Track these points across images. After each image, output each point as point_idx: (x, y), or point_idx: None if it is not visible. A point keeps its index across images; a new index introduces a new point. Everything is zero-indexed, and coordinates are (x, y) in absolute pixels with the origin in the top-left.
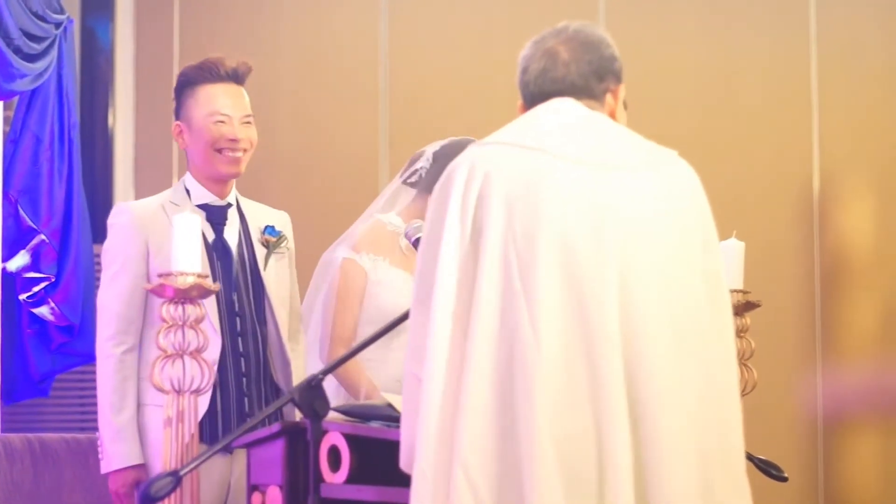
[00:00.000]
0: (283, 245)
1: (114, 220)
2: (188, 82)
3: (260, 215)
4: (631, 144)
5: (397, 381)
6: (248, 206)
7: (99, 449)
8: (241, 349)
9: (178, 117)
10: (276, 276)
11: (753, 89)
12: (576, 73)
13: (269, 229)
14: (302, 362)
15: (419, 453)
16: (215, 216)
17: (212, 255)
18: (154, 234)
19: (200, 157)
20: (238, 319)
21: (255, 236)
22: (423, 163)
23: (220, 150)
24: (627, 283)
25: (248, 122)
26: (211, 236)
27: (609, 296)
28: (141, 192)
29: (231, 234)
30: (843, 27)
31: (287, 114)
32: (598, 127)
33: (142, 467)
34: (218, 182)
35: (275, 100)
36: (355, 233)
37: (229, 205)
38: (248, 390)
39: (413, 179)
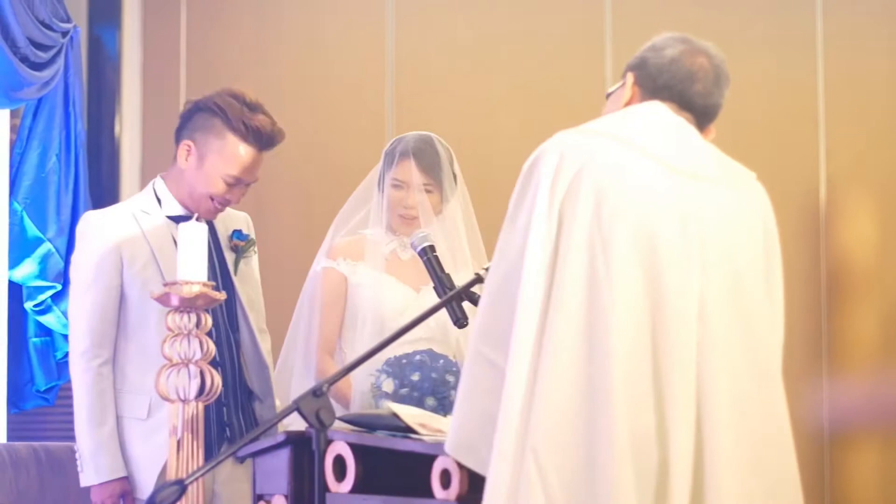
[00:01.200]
0: (251, 248)
1: (83, 230)
2: (224, 117)
3: (226, 221)
4: (717, 159)
5: (369, 375)
6: None
7: (77, 462)
8: (216, 357)
9: (188, 135)
10: (245, 278)
11: (759, 100)
12: (710, 100)
13: (237, 234)
14: (268, 335)
15: (501, 442)
16: (205, 224)
17: None
18: (126, 244)
19: (192, 193)
20: (212, 328)
21: (224, 242)
22: (379, 165)
23: (213, 199)
24: (705, 290)
25: (248, 186)
26: (206, 242)
27: (690, 302)
28: None
29: None
30: (850, 38)
31: (293, 122)
32: (689, 137)
33: (125, 479)
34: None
35: (280, 108)
36: (332, 244)
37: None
38: (226, 399)
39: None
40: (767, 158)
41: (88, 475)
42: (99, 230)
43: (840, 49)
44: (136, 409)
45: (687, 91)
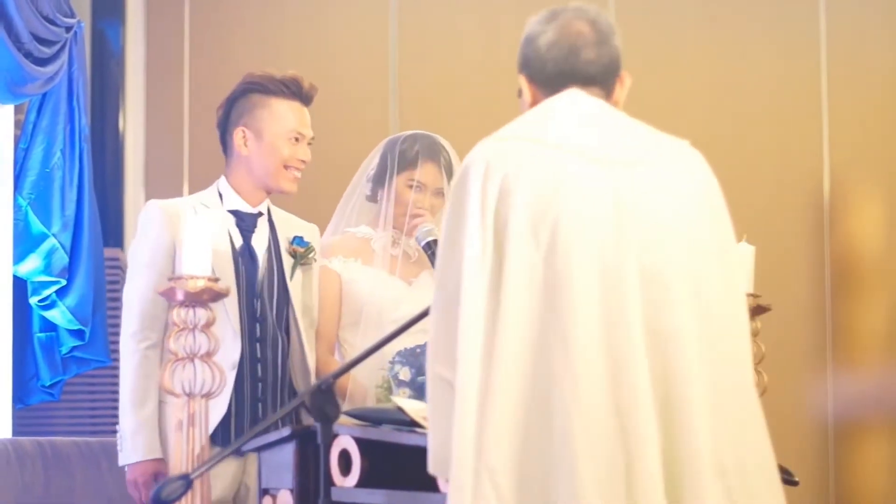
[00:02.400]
0: (310, 256)
1: (145, 217)
2: (261, 90)
3: (290, 225)
4: (646, 138)
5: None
6: (279, 215)
7: (118, 442)
8: (258, 354)
9: (238, 122)
10: (302, 286)
11: (763, 93)
12: (604, 60)
13: (298, 240)
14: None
15: (457, 461)
16: (245, 223)
17: (237, 260)
18: (181, 234)
19: (266, 169)
20: (258, 325)
21: (284, 246)
22: (371, 168)
23: (287, 167)
24: (653, 282)
25: (310, 144)
26: (238, 242)
27: (632, 300)
28: (151, 196)
29: (259, 242)
30: (853, 31)
31: None
32: (614, 121)
33: (160, 461)
34: (261, 192)
35: None
36: (324, 243)
37: (260, 213)
38: (263, 395)
39: (369, 190)
40: (771, 152)
41: (126, 453)
42: (157, 217)
43: (843, 43)
44: None
45: (577, 65)
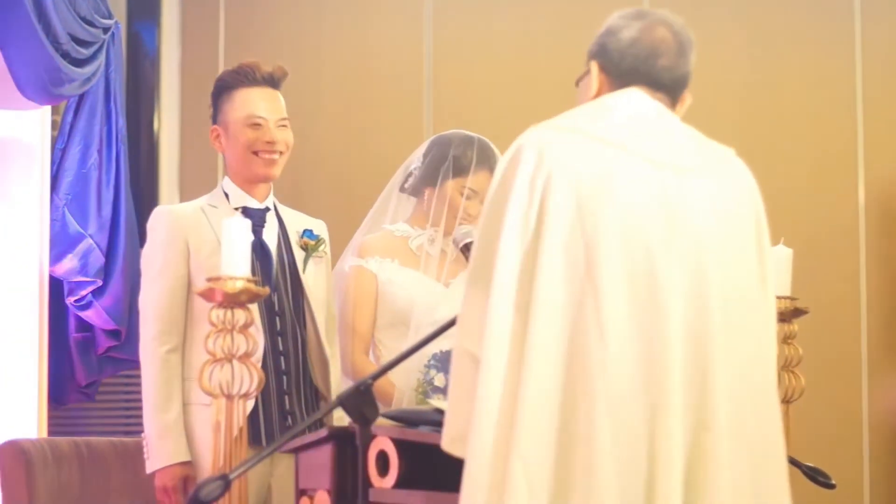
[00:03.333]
0: (321, 248)
1: (153, 223)
2: (225, 87)
3: (298, 220)
4: (696, 145)
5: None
6: (286, 211)
7: (144, 448)
8: (280, 348)
9: (214, 122)
10: (315, 278)
11: (798, 94)
12: (678, 72)
13: (308, 233)
14: (338, 365)
15: (476, 439)
16: (254, 219)
17: (251, 256)
18: (193, 234)
19: (237, 159)
20: (278, 319)
21: (294, 239)
22: (416, 163)
23: (256, 153)
24: (695, 288)
25: (284, 125)
26: (250, 237)
27: (675, 302)
28: (186, 196)
29: (270, 237)
30: (889, 34)
31: (330, 119)
32: (669, 126)
33: (188, 464)
34: (255, 184)
35: (318, 105)
36: (361, 241)
37: (267, 208)
38: (289, 388)
39: (409, 184)
40: (806, 156)
41: (154, 459)
42: (168, 221)
43: (879, 46)
44: (201, 396)
45: (653, 69)
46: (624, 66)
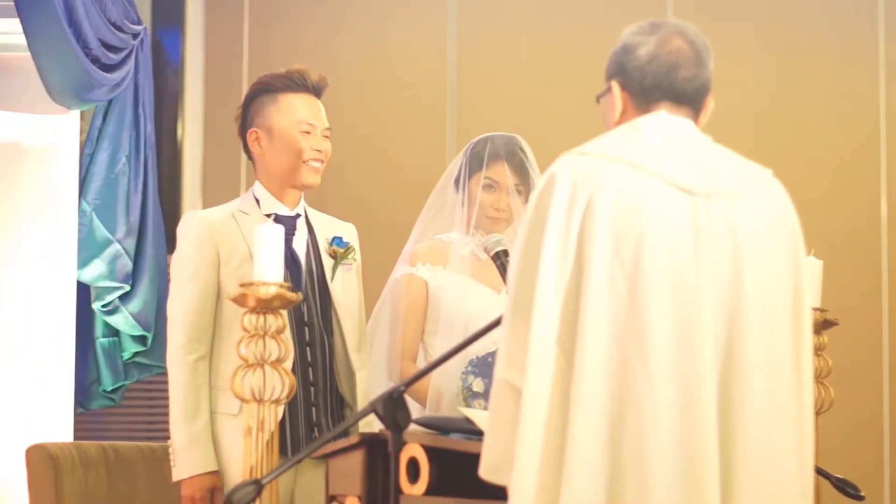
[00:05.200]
0: (350, 256)
1: (183, 229)
2: (268, 89)
3: (328, 226)
4: (730, 168)
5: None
6: (316, 217)
7: (171, 456)
8: (308, 359)
9: (251, 124)
10: (343, 287)
11: (820, 107)
12: (699, 81)
13: (337, 240)
14: (367, 373)
15: (520, 469)
16: (284, 226)
17: None
18: (224, 242)
19: (281, 165)
20: (307, 329)
21: (323, 247)
22: (461, 158)
23: (304, 160)
24: (730, 313)
25: (327, 136)
26: (283, 244)
27: (707, 328)
28: (209, 203)
29: (299, 245)
30: None
31: (355, 125)
32: (699, 148)
33: (216, 474)
34: (291, 190)
35: (342, 111)
36: (411, 250)
37: (298, 215)
38: (316, 400)
39: (455, 176)
40: (828, 166)
41: (180, 469)
42: (198, 228)
43: None
44: (228, 405)
45: (675, 82)
46: (646, 83)
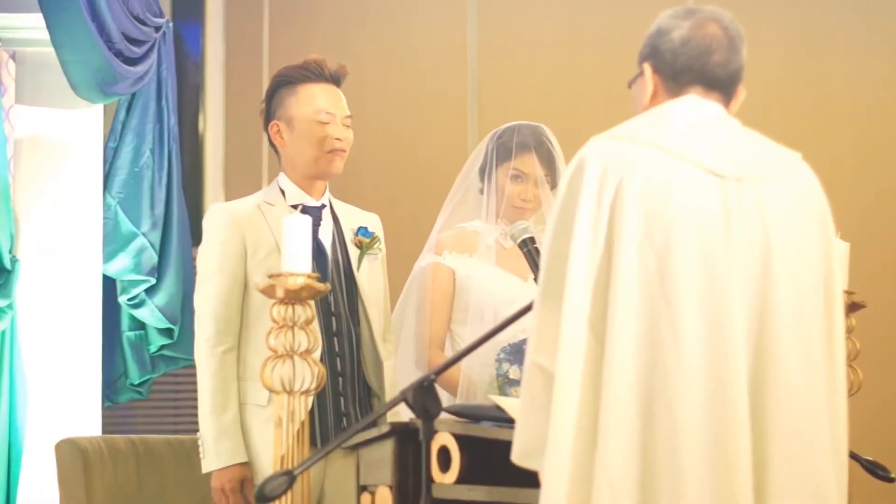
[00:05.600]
0: (375, 246)
1: (209, 221)
2: (287, 81)
3: (353, 217)
4: (760, 151)
5: (487, 366)
6: (341, 207)
7: (200, 448)
8: (336, 349)
9: (273, 117)
10: (369, 277)
11: (842, 91)
12: (731, 67)
13: (363, 230)
14: (393, 362)
15: (554, 451)
16: (310, 216)
17: None
18: (251, 233)
19: (303, 155)
20: (334, 319)
21: (349, 237)
22: (486, 147)
23: (325, 150)
24: (760, 296)
25: (348, 124)
26: (310, 235)
27: (739, 312)
28: (231, 196)
29: (325, 235)
30: None
31: (376, 120)
32: (729, 132)
33: (246, 465)
34: (315, 180)
35: (364, 106)
36: (437, 239)
37: (323, 206)
38: (344, 390)
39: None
40: (856, 149)
41: (210, 460)
42: (224, 220)
43: None
44: (256, 397)
45: (707, 66)
46: (678, 66)
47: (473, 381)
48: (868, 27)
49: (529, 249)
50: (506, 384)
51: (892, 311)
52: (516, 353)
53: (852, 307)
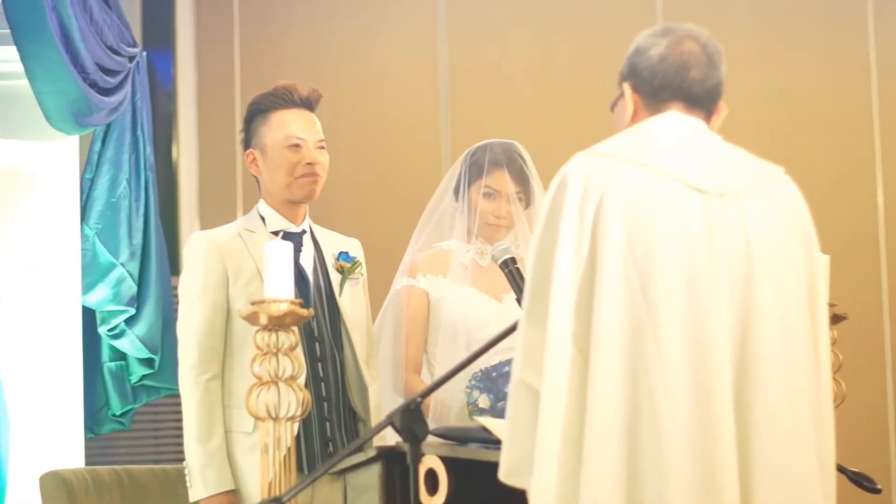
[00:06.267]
0: (357, 271)
1: (190, 249)
2: (260, 110)
3: (333, 242)
4: (742, 166)
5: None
6: (322, 233)
7: (187, 477)
8: (321, 374)
9: (248, 145)
10: (351, 301)
11: (814, 104)
12: (709, 83)
13: (343, 255)
14: (377, 387)
15: (541, 468)
16: (291, 242)
17: None
18: (232, 260)
19: (276, 182)
20: (318, 345)
21: (330, 262)
22: (460, 166)
23: (296, 175)
24: (743, 310)
25: (322, 147)
26: (292, 261)
27: (722, 325)
28: (206, 225)
29: (306, 261)
30: None
31: (349, 141)
32: (711, 147)
33: (233, 493)
34: (293, 207)
35: (337, 128)
36: (411, 261)
37: (304, 231)
38: (329, 415)
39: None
40: (823, 159)
41: (197, 489)
42: (205, 247)
43: (892, 47)
44: (242, 424)
45: (685, 82)
46: (656, 83)
47: (446, 404)
48: (834, 37)
49: (511, 270)
50: (476, 412)
51: (866, 324)
52: (486, 380)
53: (834, 319)
